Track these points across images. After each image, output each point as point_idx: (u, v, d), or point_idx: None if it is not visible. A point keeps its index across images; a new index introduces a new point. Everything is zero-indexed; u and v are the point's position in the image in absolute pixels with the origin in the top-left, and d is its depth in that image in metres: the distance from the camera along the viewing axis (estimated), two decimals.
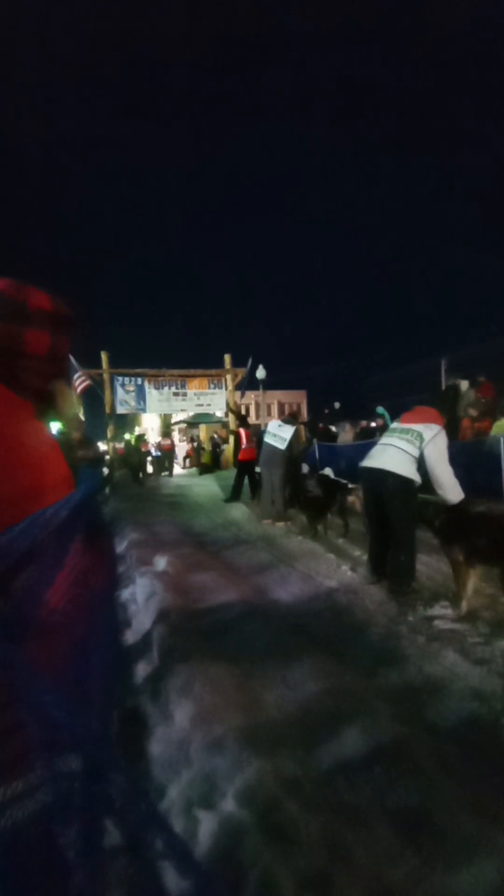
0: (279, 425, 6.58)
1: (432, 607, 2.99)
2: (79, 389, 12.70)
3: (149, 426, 28.87)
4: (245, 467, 8.25)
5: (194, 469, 17.50)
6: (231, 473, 9.84)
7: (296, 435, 6.55)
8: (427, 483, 3.25)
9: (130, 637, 2.77)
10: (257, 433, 7.89)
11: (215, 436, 17.59)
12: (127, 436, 19.24)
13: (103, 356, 13.52)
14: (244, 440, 8.32)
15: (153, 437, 22.54)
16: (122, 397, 13.77)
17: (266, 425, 7.04)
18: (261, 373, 19.50)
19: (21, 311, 0.86)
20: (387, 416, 7.10)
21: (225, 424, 16.61)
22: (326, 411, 17.83)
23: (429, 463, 3.18)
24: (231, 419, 12.64)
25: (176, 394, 14.34)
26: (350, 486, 5.26)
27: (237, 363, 14.74)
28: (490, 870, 1.22)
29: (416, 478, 3.22)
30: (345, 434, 10.59)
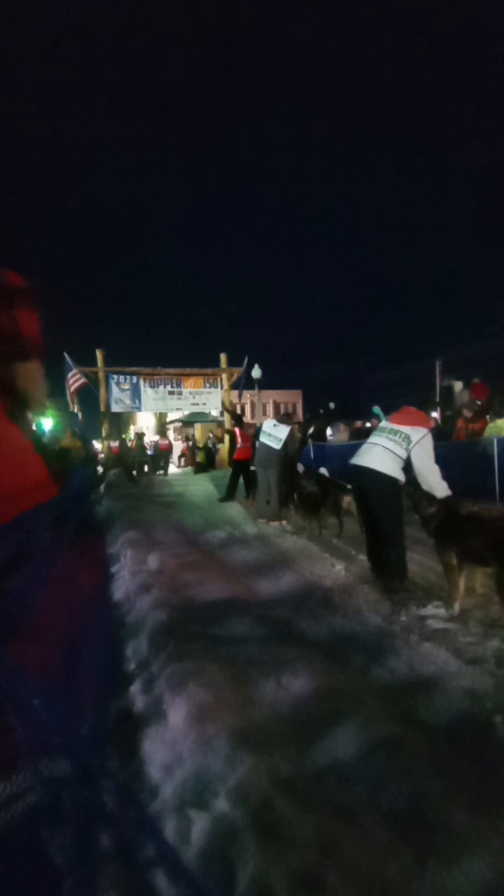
0: (274, 425, 6.57)
1: (425, 607, 3.01)
2: (73, 388, 12.63)
3: (144, 425, 28.79)
4: (240, 467, 8.25)
5: (189, 468, 17.46)
6: (226, 473, 9.83)
7: (291, 434, 6.56)
8: (414, 482, 3.33)
9: (123, 637, 2.76)
10: (253, 432, 7.89)
11: (211, 435, 17.55)
12: (124, 435, 19.16)
13: (98, 354, 13.45)
14: (240, 439, 8.32)
15: (149, 437, 22.49)
16: (118, 396, 13.71)
17: (261, 424, 7.04)
18: (256, 372, 19.48)
19: None
20: (382, 416, 7.11)
21: (220, 424, 16.58)
22: (322, 411, 17.86)
23: (416, 465, 3.28)
24: (226, 418, 12.62)
25: (171, 393, 14.29)
26: (348, 486, 5.27)
27: (233, 362, 14.73)
28: (482, 867, 1.23)
29: (401, 477, 3.32)
30: (339, 434, 10.58)
